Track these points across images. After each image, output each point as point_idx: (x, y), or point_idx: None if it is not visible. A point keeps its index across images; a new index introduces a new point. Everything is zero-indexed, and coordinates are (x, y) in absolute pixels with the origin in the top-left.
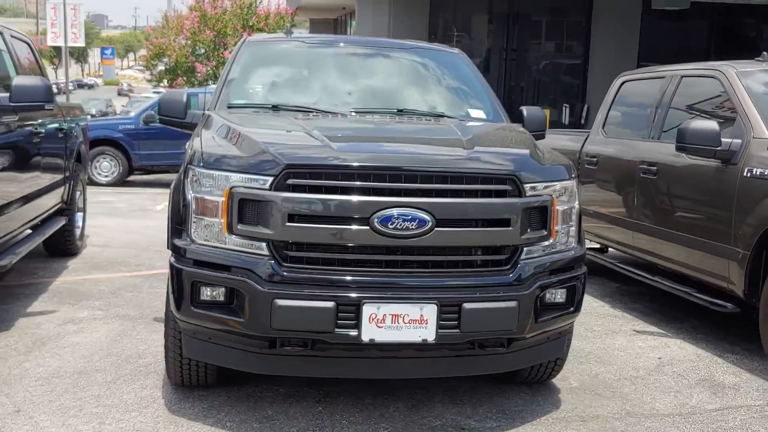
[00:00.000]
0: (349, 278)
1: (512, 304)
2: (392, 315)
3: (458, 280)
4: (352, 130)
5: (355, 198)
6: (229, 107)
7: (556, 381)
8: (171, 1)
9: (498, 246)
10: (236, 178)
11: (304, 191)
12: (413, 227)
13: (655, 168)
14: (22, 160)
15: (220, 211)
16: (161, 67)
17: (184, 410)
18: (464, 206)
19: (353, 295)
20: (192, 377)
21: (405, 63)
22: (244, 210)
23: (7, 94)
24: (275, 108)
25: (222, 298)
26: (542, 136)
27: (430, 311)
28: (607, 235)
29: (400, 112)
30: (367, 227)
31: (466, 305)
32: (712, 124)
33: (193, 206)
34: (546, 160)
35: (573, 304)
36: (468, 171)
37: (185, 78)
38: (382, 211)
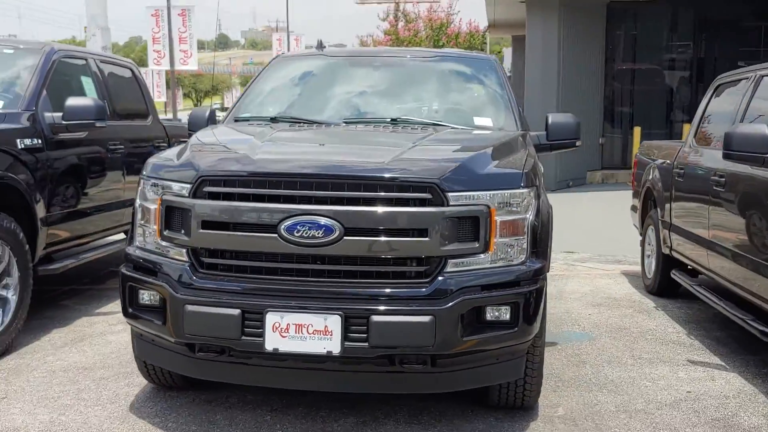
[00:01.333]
0: (256, 286)
1: (426, 318)
2: (296, 325)
3: (367, 290)
4: (303, 141)
5: (261, 205)
6: (236, 120)
7: (543, 407)
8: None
9: (416, 257)
10: (168, 186)
11: (219, 199)
12: (320, 235)
13: (723, 179)
14: (92, 174)
15: (153, 217)
16: None
17: (143, 409)
18: (373, 215)
19: (257, 302)
20: (159, 377)
21: (424, 72)
22: (171, 217)
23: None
24: (273, 120)
25: (156, 303)
26: (571, 145)
27: (335, 322)
28: (690, 254)
29: (394, 121)
30: (275, 235)
31: (375, 318)
32: (760, 128)
33: (139, 214)
34: (495, 168)
35: (517, 323)
36: (382, 179)
37: None
38: (289, 219)
